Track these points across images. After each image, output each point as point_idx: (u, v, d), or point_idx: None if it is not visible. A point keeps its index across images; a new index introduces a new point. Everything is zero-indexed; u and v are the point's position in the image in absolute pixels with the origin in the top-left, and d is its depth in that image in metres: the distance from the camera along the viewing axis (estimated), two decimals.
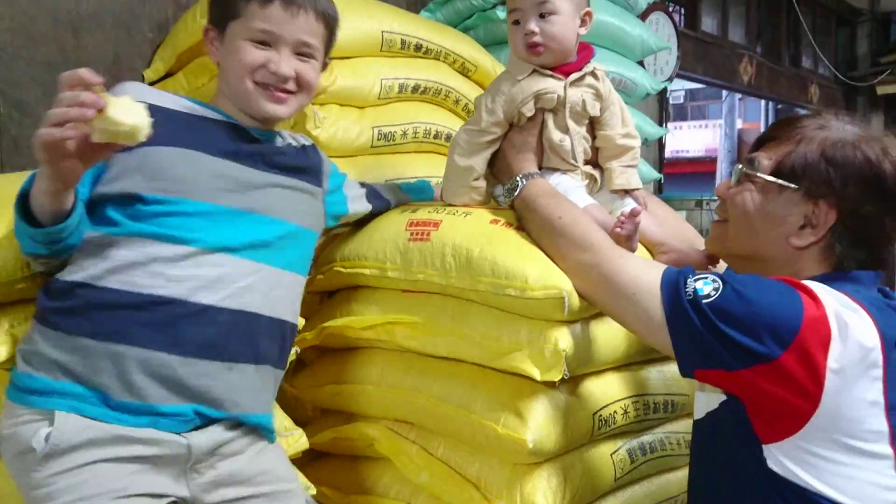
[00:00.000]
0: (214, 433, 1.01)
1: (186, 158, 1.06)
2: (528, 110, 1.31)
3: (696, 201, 2.69)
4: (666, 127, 3.67)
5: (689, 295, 1.03)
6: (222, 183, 1.08)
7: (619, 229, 1.21)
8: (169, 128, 1.04)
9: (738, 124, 11.64)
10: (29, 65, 1.64)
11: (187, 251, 1.01)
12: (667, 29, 3.54)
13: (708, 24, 4.18)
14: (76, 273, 0.99)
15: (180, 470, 0.99)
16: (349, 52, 1.61)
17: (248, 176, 1.12)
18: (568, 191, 1.31)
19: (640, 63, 3.26)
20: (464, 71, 1.91)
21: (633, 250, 1.26)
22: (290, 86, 1.13)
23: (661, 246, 1.36)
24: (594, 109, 1.35)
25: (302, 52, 1.14)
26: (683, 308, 1.03)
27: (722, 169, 9.77)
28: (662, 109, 3.66)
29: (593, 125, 1.40)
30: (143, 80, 1.78)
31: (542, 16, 1.28)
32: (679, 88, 11.83)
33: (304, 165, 1.23)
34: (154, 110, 0.94)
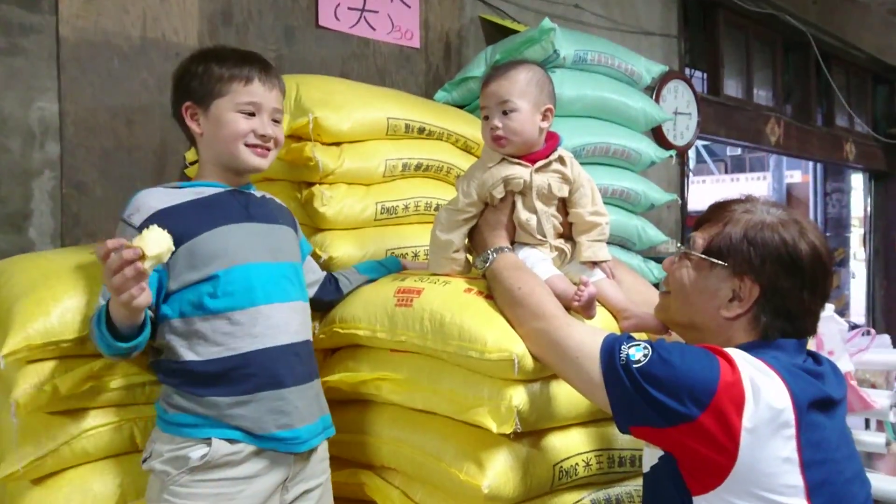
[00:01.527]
0: (300, 462, 1.34)
1: (219, 235, 1.32)
2: (499, 193, 1.50)
3: None
4: (687, 188, 3.79)
5: (623, 360, 1.18)
6: (249, 241, 1.35)
7: (575, 302, 1.37)
8: (195, 218, 1.31)
9: (797, 177, 11.54)
10: (88, 151, 1.92)
11: (253, 311, 1.29)
12: (686, 96, 3.68)
13: (732, 87, 4.31)
14: (180, 355, 1.26)
15: (281, 489, 1.30)
16: (357, 137, 1.83)
17: (261, 229, 1.39)
18: (534, 263, 1.47)
19: (659, 129, 3.44)
20: (466, 148, 2.12)
21: (591, 318, 1.41)
22: (270, 144, 1.40)
23: (624, 312, 1.51)
24: (561, 191, 1.53)
25: (274, 118, 1.41)
26: (617, 371, 1.18)
27: None
28: (683, 171, 3.78)
29: (565, 204, 1.57)
30: (184, 160, 2.05)
31: (504, 113, 1.47)
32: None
33: (284, 216, 1.50)
34: (175, 209, 1.28)
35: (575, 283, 1.47)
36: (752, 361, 1.15)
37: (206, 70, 1.36)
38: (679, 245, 1.32)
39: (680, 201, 3.60)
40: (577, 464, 1.41)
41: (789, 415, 1.11)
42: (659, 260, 2.91)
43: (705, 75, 4.19)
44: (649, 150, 2.70)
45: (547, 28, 2.32)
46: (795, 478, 1.11)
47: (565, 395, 1.40)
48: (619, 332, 1.38)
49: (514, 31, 2.68)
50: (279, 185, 1.83)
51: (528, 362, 1.30)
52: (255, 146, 1.37)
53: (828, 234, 6.59)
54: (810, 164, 7.12)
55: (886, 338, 3.18)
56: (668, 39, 3.74)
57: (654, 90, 3.46)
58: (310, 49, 2.33)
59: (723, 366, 1.13)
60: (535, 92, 1.49)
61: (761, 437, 1.10)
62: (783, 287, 1.21)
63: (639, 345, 1.20)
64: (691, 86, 3.72)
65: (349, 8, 2.42)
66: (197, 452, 1.22)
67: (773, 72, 4.62)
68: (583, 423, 1.48)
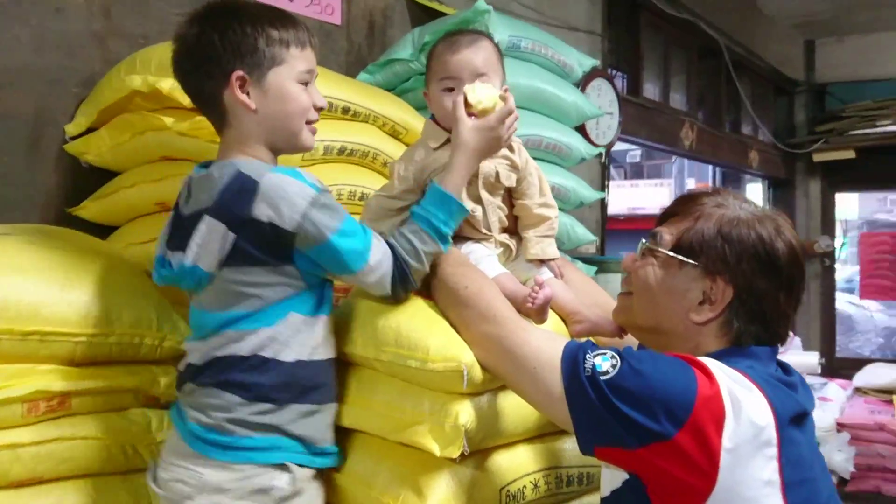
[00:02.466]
0: None
1: None
2: None
3: None
4: (607, 189, 3.74)
5: (588, 371, 1.03)
6: None
7: (529, 304, 1.22)
8: None
9: (692, 184, 12.05)
10: None
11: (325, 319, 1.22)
12: (609, 95, 3.63)
13: (650, 90, 4.33)
14: (293, 353, 1.15)
15: None
16: None
17: None
18: (479, 260, 1.31)
19: (582, 127, 3.36)
20: (394, 133, 1.93)
21: (542, 322, 1.26)
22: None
23: (575, 315, 1.36)
24: (509, 180, 1.37)
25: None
26: (582, 384, 1.03)
27: None
28: (604, 172, 3.74)
29: (511, 194, 1.41)
30: (64, 133, 1.75)
31: None
32: (636, 148, 12.32)
33: None
34: None
35: (523, 283, 1.31)
36: (729, 372, 1.03)
37: (262, 32, 1.16)
38: (644, 241, 1.18)
39: (607, 199, 3.54)
40: (524, 486, 1.25)
41: (771, 432, 1.00)
42: (587, 260, 2.82)
43: (625, 77, 4.17)
44: (580, 145, 2.59)
45: (482, 9, 2.16)
46: (777, 501, 1.00)
47: (513, 409, 1.23)
48: (570, 337, 1.24)
49: (442, 14, 2.51)
50: (182, 166, 1.57)
51: (478, 373, 1.12)
52: (311, 122, 1.23)
53: None
54: (709, 171, 7.37)
55: (798, 340, 3.25)
56: (593, 37, 3.69)
57: (579, 87, 3.39)
58: None
59: (700, 378, 1.01)
60: (502, 69, 1.34)
61: (742, 457, 0.98)
62: (759, 288, 1.10)
63: (605, 353, 1.05)
64: (614, 85, 3.68)
65: None
66: (280, 479, 1.12)
67: (687, 77, 4.68)
68: (529, 438, 1.32)
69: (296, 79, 1.18)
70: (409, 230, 1.21)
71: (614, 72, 3.94)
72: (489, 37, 1.39)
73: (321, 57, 2.30)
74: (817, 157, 5.71)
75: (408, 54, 2.28)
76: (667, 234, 1.16)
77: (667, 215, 1.20)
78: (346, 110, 1.77)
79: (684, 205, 1.17)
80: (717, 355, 1.09)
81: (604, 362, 1.03)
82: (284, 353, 1.15)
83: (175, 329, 1.36)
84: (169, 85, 1.47)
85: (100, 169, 1.77)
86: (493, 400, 1.20)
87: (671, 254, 1.13)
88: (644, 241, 1.19)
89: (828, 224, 6.08)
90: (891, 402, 3.88)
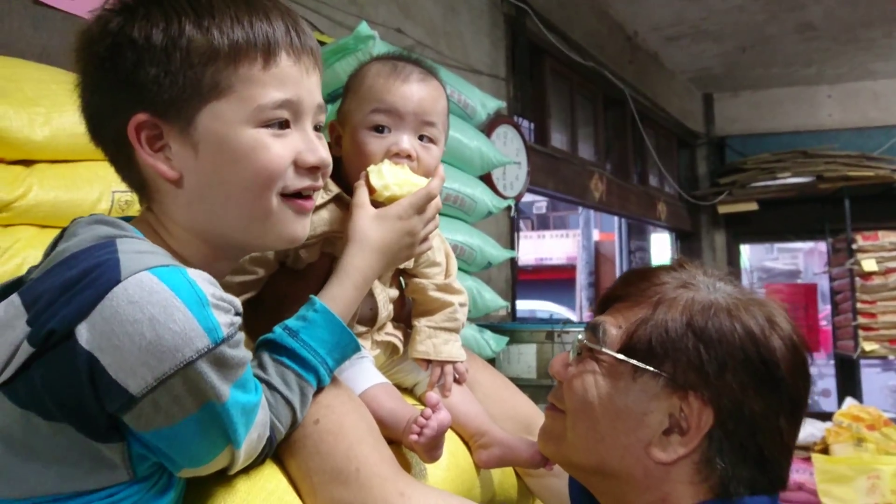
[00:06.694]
0: None
1: None
2: (310, 254, 0.91)
3: (547, 333, 2.35)
4: (517, 246, 3.42)
5: None
6: None
7: (413, 437, 0.81)
8: None
9: (595, 236, 12.19)
10: None
11: None
12: (515, 143, 3.37)
13: (558, 140, 4.11)
14: None
15: None
16: (61, 154, 1.16)
17: None
18: (343, 366, 0.89)
19: (488, 178, 3.04)
20: None
21: (435, 460, 0.85)
22: (318, 181, 0.76)
23: (482, 437, 0.97)
24: None
25: (318, 121, 0.76)
26: None
27: (581, 280, 9.92)
28: (513, 226, 3.42)
29: (402, 271, 1.02)
30: None
31: (421, 138, 0.95)
32: (542, 199, 12.40)
33: None
34: None
35: (410, 396, 0.91)
36: None
37: (179, 35, 0.66)
38: (580, 338, 0.80)
39: (517, 257, 3.21)
40: None
41: None
42: (495, 328, 2.45)
43: (532, 125, 3.93)
44: (486, 197, 2.24)
45: (365, 35, 1.80)
46: None
47: None
48: (475, 479, 0.84)
49: (321, 44, 2.14)
50: None
51: None
52: (296, 197, 0.73)
53: None
54: (615, 222, 7.31)
55: None
56: (497, 81, 3.42)
57: (483, 134, 3.08)
58: (21, 33, 1.60)
59: None
60: (446, 132, 1.00)
61: None
62: (752, 411, 0.74)
63: None
64: (521, 133, 3.41)
65: None
66: None
67: (595, 127, 4.52)
68: None
69: (254, 120, 0.69)
70: (281, 375, 0.75)
71: (520, 119, 3.68)
72: (441, 81, 1.02)
73: None
74: (722, 209, 5.68)
75: None
76: (612, 326, 0.79)
77: (611, 299, 0.83)
78: None
79: (635, 284, 0.81)
80: None
81: None
82: None
83: None
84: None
85: None
86: None
87: (621, 356, 0.76)
88: (580, 337, 0.82)
89: (734, 275, 6.04)
90: (808, 458, 3.70)
